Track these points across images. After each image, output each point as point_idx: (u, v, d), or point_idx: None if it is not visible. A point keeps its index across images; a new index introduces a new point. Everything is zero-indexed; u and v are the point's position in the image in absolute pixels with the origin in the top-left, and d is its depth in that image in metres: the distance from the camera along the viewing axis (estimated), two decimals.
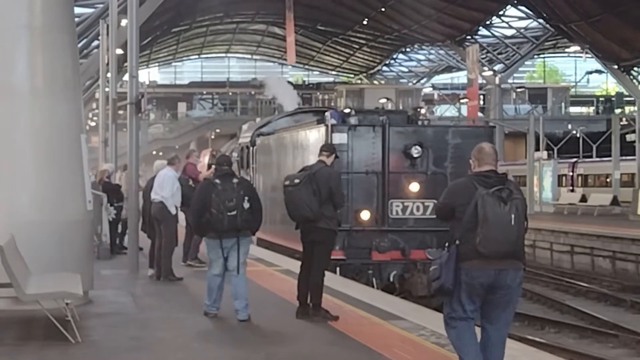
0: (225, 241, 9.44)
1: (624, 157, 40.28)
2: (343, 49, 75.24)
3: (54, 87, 10.31)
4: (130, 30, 14.71)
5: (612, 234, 24.99)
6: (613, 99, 67.82)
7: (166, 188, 13.00)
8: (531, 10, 46.51)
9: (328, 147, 9.96)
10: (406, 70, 77.49)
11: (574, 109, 69.95)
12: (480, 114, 52.41)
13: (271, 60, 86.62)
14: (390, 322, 9.34)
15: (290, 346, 8.19)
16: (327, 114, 15.25)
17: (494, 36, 54.54)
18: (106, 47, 25.50)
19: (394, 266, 14.60)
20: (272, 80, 27.98)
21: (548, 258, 28.07)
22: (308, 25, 66.43)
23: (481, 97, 56.71)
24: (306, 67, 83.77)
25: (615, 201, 36.29)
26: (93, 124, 52.27)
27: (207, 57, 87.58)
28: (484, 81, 54.60)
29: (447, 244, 6.17)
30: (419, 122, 15.76)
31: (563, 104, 66.75)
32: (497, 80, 54.10)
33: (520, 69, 61.84)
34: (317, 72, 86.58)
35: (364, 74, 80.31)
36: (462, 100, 56.61)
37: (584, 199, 38.46)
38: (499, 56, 56.19)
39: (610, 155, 40.79)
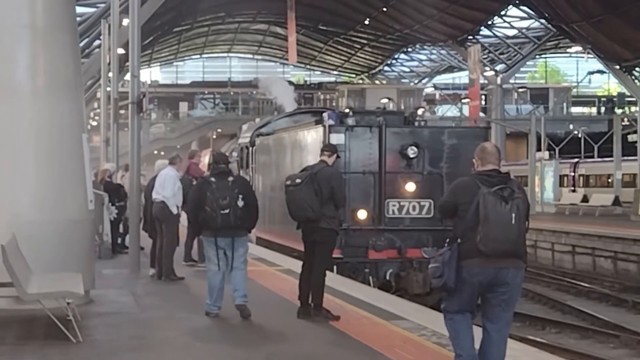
0: (220, 240, 9.48)
1: (625, 158, 40.28)
2: (345, 49, 75.20)
3: (55, 86, 10.30)
4: (131, 30, 14.74)
5: (613, 234, 24.99)
6: (615, 99, 67.71)
7: (167, 188, 13.01)
8: (533, 11, 46.46)
9: (329, 147, 9.96)
10: (408, 70, 77.44)
11: (575, 109, 69.91)
12: (481, 114, 52.39)
13: (273, 60, 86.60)
14: (391, 322, 9.34)
15: (291, 346, 8.18)
16: (325, 114, 15.46)
17: (496, 36, 54.48)
18: (108, 46, 25.50)
19: (391, 264, 14.80)
20: (266, 80, 27.96)
21: (549, 258, 28.07)
22: (310, 25, 66.39)
23: (483, 97, 56.68)
24: (308, 67, 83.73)
25: (616, 201, 36.28)
26: (95, 123, 52.30)
27: (208, 57, 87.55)
28: (486, 81, 54.54)
29: (449, 242, 6.23)
30: (416, 123, 16.01)
31: (565, 104, 66.70)
32: (498, 81, 54.02)
33: (522, 69, 61.67)
34: (319, 72, 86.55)
35: (366, 74, 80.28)
36: (463, 101, 56.63)
37: (585, 199, 38.45)
38: (501, 56, 56.11)
39: (611, 156, 40.77)
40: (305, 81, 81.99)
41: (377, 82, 78.52)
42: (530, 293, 20.36)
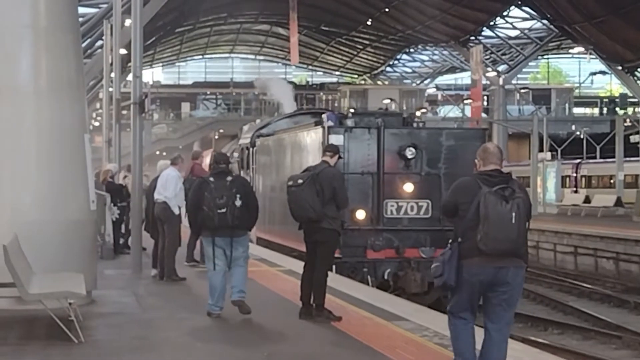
0: (219, 239, 9.49)
1: (627, 158, 40.25)
2: (347, 50, 75.28)
3: (57, 87, 10.31)
4: (134, 30, 14.75)
5: (615, 235, 24.96)
6: (617, 100, 67.71)
7: (169, 188, 13.02)
8: (535, 11, 46.53)
9: (332, 148, 9.95)
10: (410, 70, 77.53)
11: (577, 110, 69.89)
12: (484, 115, 52.41)
13: (275, 60, 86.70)
14: (393, 322, 9.33)
15: (292, 346, 8.18)
16: (324, 116, 15.58)
17: (498, 37, 54.54)
18: (110, 47, 25.55)
19: (389, 264, 14.88)
20: (263, 80, 28.02)
21: (551, 259, 28.05)
22: (312, 26, 66.46)
23: (485, 97, 56.73)
24: (310, 67, 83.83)
25: (619, 202, 36.25)
26: (97, 123, 52.29)
27: (210, 58, 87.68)
28: (488, 82, 54.59)
29: (450, 241, 6.26)
30: (414, 125, 16.15)
31: (567, 105, 66.68)
32: (500, 81, 54.06)
33: (524, 69, 61.72)
34: (321, 73, 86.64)
35: (368, 75, 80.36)
36: (465, 101, 56.62)
37: (587, 200, 38.43)
38: (503, 57, 56.14)
39: (614, 157, 40.74)
40: (308, 82, 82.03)
41: (379, 82, 78.59)
42: (532, 294, 20.34)
